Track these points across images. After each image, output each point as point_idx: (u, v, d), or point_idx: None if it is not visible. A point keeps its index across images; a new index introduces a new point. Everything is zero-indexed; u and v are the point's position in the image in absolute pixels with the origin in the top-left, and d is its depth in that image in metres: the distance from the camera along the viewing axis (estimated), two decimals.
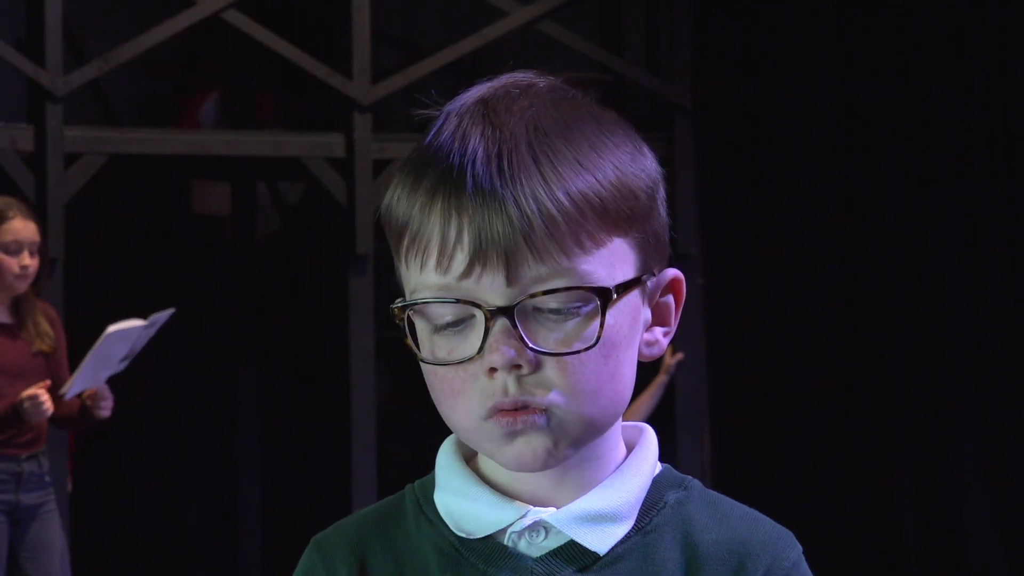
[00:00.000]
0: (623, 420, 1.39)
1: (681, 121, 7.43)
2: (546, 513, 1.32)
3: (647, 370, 7.63)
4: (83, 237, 7.31)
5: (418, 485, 1.39)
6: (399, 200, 1.30)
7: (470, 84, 1.36)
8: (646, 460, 1.38)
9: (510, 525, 1.32)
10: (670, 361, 7.36)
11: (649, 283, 1.33)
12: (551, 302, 1.26)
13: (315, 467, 8.74)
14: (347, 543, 1.37)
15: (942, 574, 7.65)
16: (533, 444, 1.28)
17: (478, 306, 1.26)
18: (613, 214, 1.28)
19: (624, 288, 1.28)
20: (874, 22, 7.80)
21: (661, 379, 7.31)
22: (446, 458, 1.39)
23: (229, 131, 7.59)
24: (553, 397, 1.27)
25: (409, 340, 1.31)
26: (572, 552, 1.32)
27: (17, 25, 7.43)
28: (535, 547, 1.32)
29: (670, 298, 1.36)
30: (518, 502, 1.32)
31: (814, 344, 7.76)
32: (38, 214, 5.84)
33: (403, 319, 1.31)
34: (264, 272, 8.80)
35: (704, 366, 7.58)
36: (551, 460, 1.29)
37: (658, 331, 1.35)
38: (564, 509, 1.32)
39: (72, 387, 5.40)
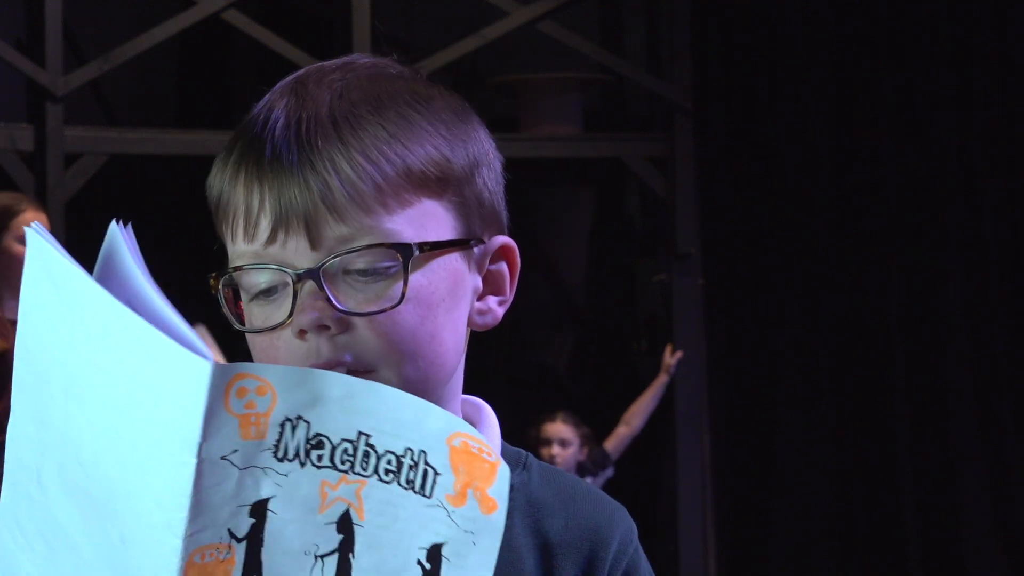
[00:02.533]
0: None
1: (681, 121, 7.42)
2: None
3: (648, 371, 7.62)
4: (83, 237, 7.30)
5: None
6: (214, 176, 1.32)
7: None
8: (490, 440, 1.36)
9: None
10: (670, 361, 7.36)
11: (476, 249, 1.32)
12: (358, 262, 1.25)
13: None
14: None
15: (942, 574, 7.65)
16: None
17: (285, 270, 1.26)
18: (418, 175, 1.27)
19: (433, 247, 1.27)
20: (874, 22, 7.80)
21: (662, 379, 7.31)
22: None
23: (229, 131, 7.59)
24: (372, 357, 1.26)
25: (225, 310, 1.31)
26: None
27: (17, 25, 7.43)
28: None
29: (503, 266, 1.35)
30: None
31: (814, 344, 7.75)
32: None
33: (217, 290, 1.31)
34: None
35: (704, 366, 7.57)
36: None
37: (492, 300, 1.35)
38: None
39: None
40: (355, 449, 1.02)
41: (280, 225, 1.25)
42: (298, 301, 1.26)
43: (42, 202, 6.12)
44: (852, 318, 7.77)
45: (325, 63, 1.35)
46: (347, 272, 1.26)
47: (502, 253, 1.35)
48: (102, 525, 1.02)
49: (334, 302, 1.25)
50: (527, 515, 1.34)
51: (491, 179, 1.34)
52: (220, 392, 1.01)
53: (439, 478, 1.03)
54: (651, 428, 7.24)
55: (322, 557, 1.02)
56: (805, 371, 7.75)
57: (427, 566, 1.03)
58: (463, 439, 1.04)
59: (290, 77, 1.35)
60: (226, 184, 1.30)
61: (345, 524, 1.02)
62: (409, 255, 1.25)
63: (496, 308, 1.35)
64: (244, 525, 1.01)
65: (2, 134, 6.68)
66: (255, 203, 1.27)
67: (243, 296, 1.31)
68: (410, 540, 1.03)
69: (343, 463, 1.03)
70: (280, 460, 1.02)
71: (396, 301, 1.25)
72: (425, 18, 8.72)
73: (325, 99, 1.29)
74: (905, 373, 7.71)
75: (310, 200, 1.25)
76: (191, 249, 9.56)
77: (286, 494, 1.02)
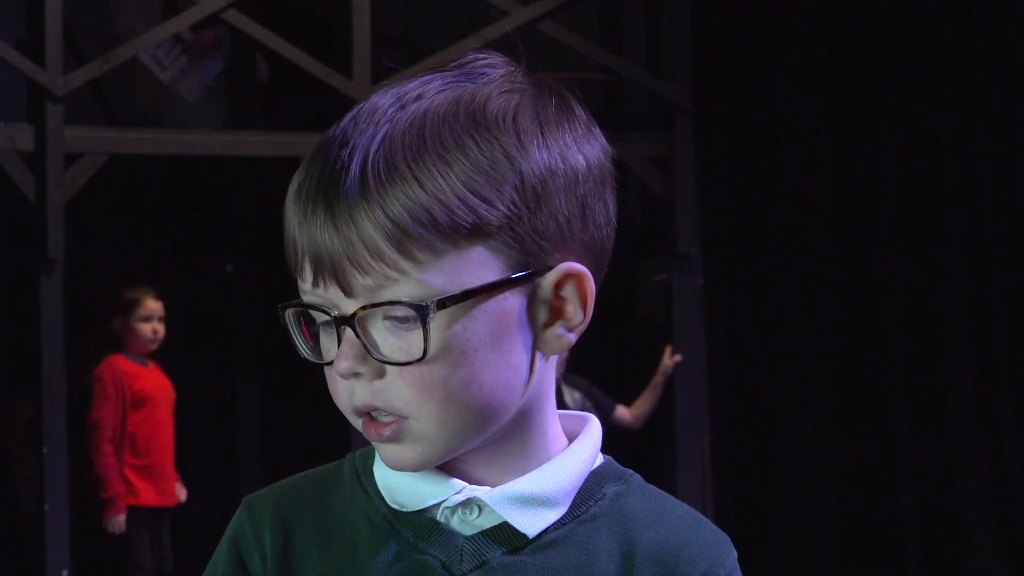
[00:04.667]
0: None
1: (681, 121, 7.42)
2: (480, 491, 1.32)
3: (648, 371, 7.62)
4: (83, 237, 7.30)
5: (359, 455, 1.41)
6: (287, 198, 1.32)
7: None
8: (585, 450, 1.38)
9: (444, 501, 1.32)
10: (667, 363, 7.36)
11: (538, 280, 1.29)
12: (395, 310, 1.25)
13: (316, 465, 8.72)
14: (276, 508, 1.38)
15: (942, 574, 7.65)
16: (396, 452, 1.30)
17: (328, 313, 1.28)
18: (447, 226, 1.25)
19: (460, 299, 1.25)
20: (874, 22, 7.80)
21: (657, 380, 7.32)
22: None
23: (229, 131, 7.59)
24: (401, 405, 1.28)
25: (294, 337, 1.33)
26: (504, 533, 1.32)
27: (17, 25, 7.43)
28: (468, 525, 1.32)
29: (570, 292, 1.32)
30: (455, 479, 1.33)
31: (814, 344, 7.76)
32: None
33: (285, 319, 1.32)
34: (264, 270, 8.80)
35: (704, 366, 7.58)
36: (423, 463, 1.30)
37: (560, 327, 1.33)
38: (498, 488, 1.32)
39: None
40: None
41: (318, 272, 1.28)
42: (341, 345, 1.28)
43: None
44: (852, 318, 7.77)
45: (400, 87, 1.31)
46: (387, 317, 1.27)
47: (568, 279, 1.32)
48: None
49: (369, 350, 1.27)
50: (617, 523, 1.36)
51: (569, 202, 1.30)
52: None
53: None
54: (651, 428, 7.24)
55: None
56: (805, 371, 7.75)
57: None
58: None
59: (366, 103, 1.31)
60: (287, 214, 1.31)
61: None
62: (425, 315, 1.25)
63: (566, 335, 1.33)
64: None
65: (2, 134, 6.68)
66: (299, 247, 1.29)
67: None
68: None
69: None
70: None
71: (419, 356, 1.26)
72: (425, 18, 8.73)
73: (362, 146, 1.27)
74: (905, 373, 7.71)
75: (336, 253, 1.26)
76: (190, 249, 9.59)
77: None
